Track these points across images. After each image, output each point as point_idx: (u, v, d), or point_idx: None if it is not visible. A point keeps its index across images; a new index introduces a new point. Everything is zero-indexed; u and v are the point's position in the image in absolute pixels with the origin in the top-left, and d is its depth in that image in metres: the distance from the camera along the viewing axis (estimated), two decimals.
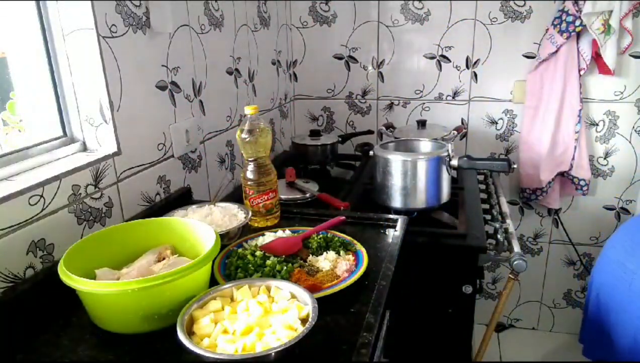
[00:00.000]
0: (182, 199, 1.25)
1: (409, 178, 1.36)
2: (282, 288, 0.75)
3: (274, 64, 1.89)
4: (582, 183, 1.90)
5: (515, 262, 1.22)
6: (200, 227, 0.88)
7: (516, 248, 1.27)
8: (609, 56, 1.72)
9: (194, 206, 1.10)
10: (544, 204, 2.00)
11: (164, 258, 0.86)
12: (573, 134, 1.85)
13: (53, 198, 0.89)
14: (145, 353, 0.70)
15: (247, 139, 1.06)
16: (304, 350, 0.64)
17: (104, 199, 1.02)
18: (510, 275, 1.36)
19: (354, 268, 0.89)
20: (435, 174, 1.36)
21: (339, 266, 0.88)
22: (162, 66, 1.18)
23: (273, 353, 0.60)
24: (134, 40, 1.08)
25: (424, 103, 2.02)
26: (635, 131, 1.87)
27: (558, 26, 1.73)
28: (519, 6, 1.81)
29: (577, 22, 1.69)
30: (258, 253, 0.92)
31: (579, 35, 1.75)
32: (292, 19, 2.03)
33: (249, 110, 1.06)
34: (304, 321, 0.67)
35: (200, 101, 1.37)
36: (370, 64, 2.02)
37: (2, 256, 0.79)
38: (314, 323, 0.65)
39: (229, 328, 0.67)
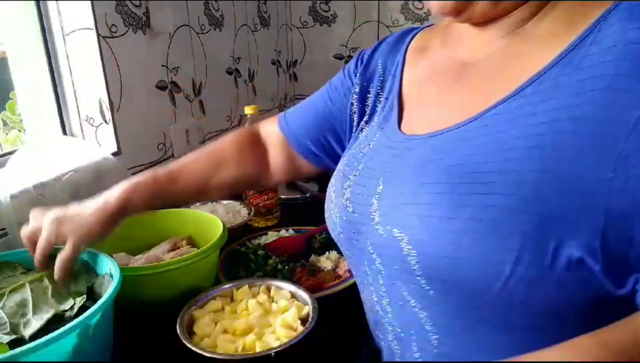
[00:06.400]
0: None
1: None
2: (282, 288, 0.75)
3: (274, 64, 1.89)
4: None
5: None
6: (214, 221, 0.88)
7: None
8: None
9: (197, 203, 1.10)
10: None
11: (178, 248, 0.87)
12: None
13: (53, 197, 0.89)
14: (145, 352, 0.70)
15: None
16: (303, 350, 0.64)
17: None
18: None
19: None
20: None
21: (341, 265, 0.88)
22: (162, 66, 1.18)
23: (273, 353, 0.60)
24: (134, 40, 1.08)
25: None
26: None
27: None
28: None
29: None
30: (260, 252, 0.92)
31: None
32: (292, 19, 2.03)
33: (249, 110, 1.06)
34: (304, 321, 0.67)
35: (200, 101, 1.37)
36: None
37: None
38: (314, 323, 0.65)
39: (229, 328, 0.67)
